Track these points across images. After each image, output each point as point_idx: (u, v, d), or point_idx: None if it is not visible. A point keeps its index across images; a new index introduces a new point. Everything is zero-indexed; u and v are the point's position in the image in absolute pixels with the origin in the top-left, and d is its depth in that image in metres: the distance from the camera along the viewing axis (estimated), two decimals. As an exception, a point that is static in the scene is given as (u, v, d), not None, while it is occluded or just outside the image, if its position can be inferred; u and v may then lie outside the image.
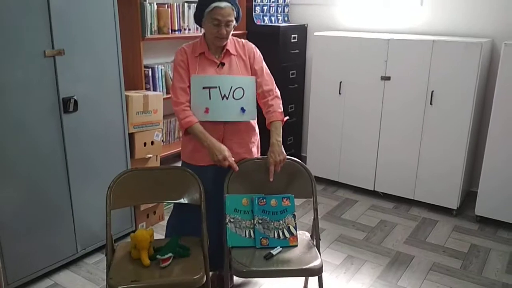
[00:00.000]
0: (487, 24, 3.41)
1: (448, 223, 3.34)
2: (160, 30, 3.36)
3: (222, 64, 2.13)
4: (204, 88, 2.08)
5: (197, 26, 3.50)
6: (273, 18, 4.24)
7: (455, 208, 3.42)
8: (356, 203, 3.66)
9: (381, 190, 3.71)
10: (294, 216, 2.18)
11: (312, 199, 2.23)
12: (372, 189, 3.75)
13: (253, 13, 4.03)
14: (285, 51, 3.99)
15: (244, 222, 2.14)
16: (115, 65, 2.69)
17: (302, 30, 4.18)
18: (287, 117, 2.24)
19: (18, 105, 2.25)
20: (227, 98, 2.09)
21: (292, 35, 4.05)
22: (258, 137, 2.31)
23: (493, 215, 3.25)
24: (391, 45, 3.40)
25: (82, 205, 2.66)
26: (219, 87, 2.08)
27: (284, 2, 4.30)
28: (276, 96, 2.23)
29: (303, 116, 4.46)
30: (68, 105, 2.45)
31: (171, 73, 3.49)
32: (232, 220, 2.13)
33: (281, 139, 2.18)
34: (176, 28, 3.46)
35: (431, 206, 3.57)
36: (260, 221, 2.14)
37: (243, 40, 2.24)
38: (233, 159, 2.10)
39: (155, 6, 3.27)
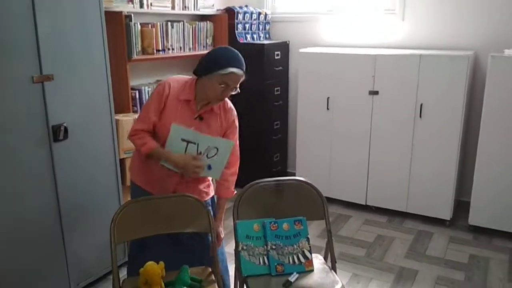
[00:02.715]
0: (469, 37, 3.51)
1: (443, 234, 3.36)
2: (144, 51, 3.27)
3: (201, 117, 2.05)
4: (183, 140, 2.01)
5: (180, 46, 3.55)
6: (255, 36, 4.22)
7: (448, 219, 3.46)
8: (350, 219, 3.64)
9: (373, 204, 3.71)
10: (308, 239, 2.10)
11: (324, 221, 2.17)
12: (364, 204, 3.74)
13: (236, 31, 4.00)
14: (269, 69, 3.98)
15: (257, 248, 2.05)
16: (105, 89, 2.57)
17: (284, 47, 4.19)
18: (235, 192, 2.21)
19: (6, 135, 2.10)
20: (201, 154, 2.04)
21: (276, 52, 4.05)
22: (212, 190, 2.25)
23: (487, 224, 3.30)
24: (378, 60, 3.43)
25: (74, 238, 2.50)
26: (198, 144, 2.01)
27: (265, 19, 4.29)
28: (235, 173, 2.20)
29: (288, 132, 4.45)
30: (58, 133, 2.31)
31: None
32: (245, 247, 2.04)
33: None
34: (160, 48, 3.38)
35: (424, 218, 3.59)
36: (273, 247, 2.05)
37: (230, 104, 2.16)
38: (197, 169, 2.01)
39: (139, 26, 3.18)
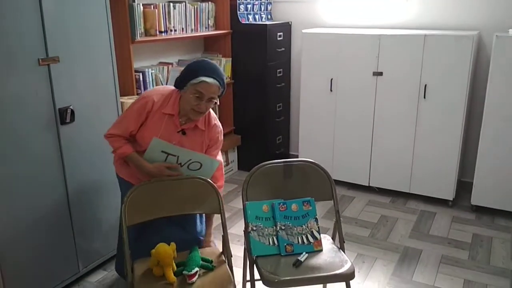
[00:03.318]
0: (474, 16, 3.49)
1: (446, 214, 3.40)
2: (147, 32, 3.24)
3: (184, 132, 2.07)
4: (162, 151, 2.02)
5: (183, 28, 3.52)
6: (257, 17, 4.18)
7: (451, 199, 3.49)
8: (354, 200, 3.67)
9: (376, 185, 3.74)
10: (316, 220, 2.13)
11: (331, 202, 2.19)
12: (367, 185, 3.76)
13: (238, 12, 3.96)
14: (271, 50, 3.96)
15: (266, 229, 2.07)
16: (110, 71, 2.55)
17: (286, 28, 4.15)
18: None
19: (14, 119, 2.09)
20: (181, 166, 2.06)
21: (278, 33, 4.01)
22: None
23: (489, 204, 3.34)
24: (383, 40, 3.41)
25: (82, 219, 2.51)
26: (178, 157, 2.04)
27: (267, 0, 4.26)
28: (221, 187, 2.21)
29: (290, 114, 4.44)
30: (65, 115, 2.30)
31: (161, 76, 3.37)
32: (254, 228, 2.06)
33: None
34: (163, 30, 3.35)
35: (427, 198, 3.63)
36: (283, 227, 2.08)
37: (215, 121, 2.16)
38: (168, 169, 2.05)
39: (141, 7, 3.14)
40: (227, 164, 4.16)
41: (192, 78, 1.96)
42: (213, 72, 1.98)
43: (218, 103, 2.06)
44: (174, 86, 2.08)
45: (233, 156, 4.25)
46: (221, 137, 2.20)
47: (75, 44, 2.32)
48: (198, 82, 1.95)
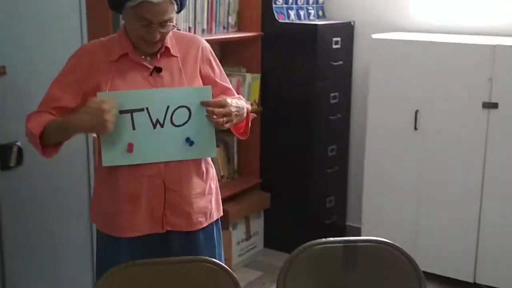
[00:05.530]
0: None
1: None
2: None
3: (158, 69, 2.14)
4: (122, 112, 2.05)
5: (190, 27, 3.58)
6: (302, 12, 4.26)
7: None
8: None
9: (486, 282, 3.65)
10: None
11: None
12: (472, 282, 3.69)
13: (273, 5, 4.02)
14: (324, 63, 4.00)
15: None
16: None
17: (347, 31, 4.21)
18: (253, 115, 2.36)
19: None
20: (161, 125, 2.11)
21: (334, 39, 4.06)
22: (216, 181, 2.35)
23: None
24: (499, 53, 3.40)
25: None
26: (147, 108, 2.08)
27: (319, -12, 4.34)
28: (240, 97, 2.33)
29: (349, 163, 4.44)
30: (8, 157, 2.36)
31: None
32: None
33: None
34: None
35: None
36: None
37: (190, 34, 2.29)
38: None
39: None
40: (247, 238, 4.13)
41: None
42: None
43: (178, 28, 2.15)
44: (110, 7, 2.13)
45: (257, 225, 4.22)
46: (213, 54, 2.33)
47: (32, 51, 2.40)
48: (137, 3, 1.98)
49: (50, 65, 2.42)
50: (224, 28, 3.88)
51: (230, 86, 2.36)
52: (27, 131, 2.07)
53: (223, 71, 2.36)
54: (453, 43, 3.54)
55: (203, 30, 3.72)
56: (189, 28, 3.62)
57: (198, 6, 3.65)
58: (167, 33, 2.09)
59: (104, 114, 1.93)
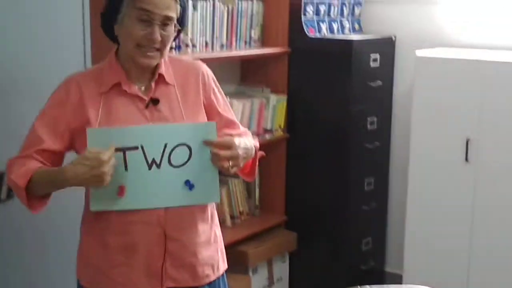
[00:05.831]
0: None
1: None
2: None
3: (155, 101, 2.12)
4: (115, 150, 2.02)
5: (207, 41, 3.64)
6: (335, 26, 4.27)
7: None
8: None
9: None
10: None
11: None
12: None
13: (302, 17, 4.00)
14: (360, 84, 3.98)
15: None
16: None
17: (387, 47, 4.19)
18: (262, 153, 2.34)
19: None
20: (158, 166, 2.06)
21: (372, 55, 4.02)
22: (219, 231, 2.32)
23: None
24: None
25: None
26: (141, 146, 2.03)
27: (354, -3, 4.35)
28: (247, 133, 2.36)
29: (389, 199, 4.37)
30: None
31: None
32: None
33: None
34: (174, 45, 3.35)
35: None
36: None
37: (189, 60, 2.36)
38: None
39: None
40: (269, 284, 4.07)
41: None
42: None
43: (176, 34, 2.15)
44: (102, 28, 2.15)
45: (282, 269, 4.18)
46: (216, 82, 2.31)
47: (22, 61, 2.52)
48: None
49: (45, 79, 2.45)
50: (246, 43, 3.86)
51: (235, 118, 2.37)
52: (9, 182, 2.07)
53: (226, 101, 2.36)
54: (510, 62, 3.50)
55: (222, 46, 3.70)
56: (206, 43, 3.60)
57: (216, 19, 3.63)
58: (167, 38, 2.06)
59: (102, 165, 1.89)
